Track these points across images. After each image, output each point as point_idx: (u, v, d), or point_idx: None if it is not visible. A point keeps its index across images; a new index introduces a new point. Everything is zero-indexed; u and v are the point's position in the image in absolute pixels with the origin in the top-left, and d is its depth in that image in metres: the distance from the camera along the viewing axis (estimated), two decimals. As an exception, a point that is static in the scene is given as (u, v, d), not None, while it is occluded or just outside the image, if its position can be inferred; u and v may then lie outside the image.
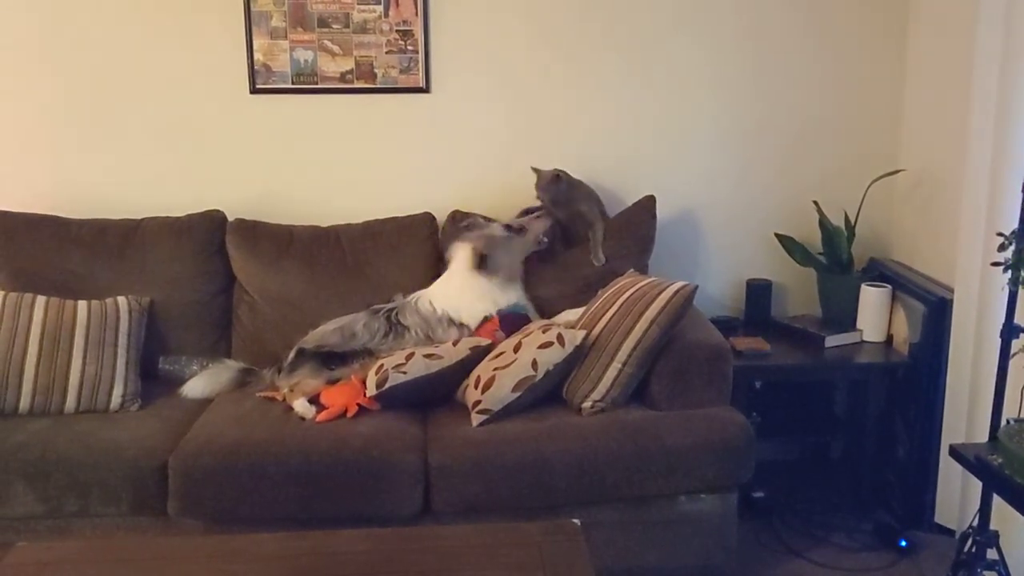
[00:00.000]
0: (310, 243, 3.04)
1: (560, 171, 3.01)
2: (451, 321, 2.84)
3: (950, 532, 2.78)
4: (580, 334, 2.55)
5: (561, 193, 3.01)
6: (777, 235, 3.25)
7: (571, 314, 2.84)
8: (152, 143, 3.18)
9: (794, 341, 3.07)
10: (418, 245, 3.06)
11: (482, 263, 2.86)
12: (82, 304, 2.77)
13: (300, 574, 1.79)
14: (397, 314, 2.83)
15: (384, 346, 2.76)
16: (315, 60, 3.15)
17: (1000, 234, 2.01)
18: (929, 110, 3.09)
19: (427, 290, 2.92)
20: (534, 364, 2.49)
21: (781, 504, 3.03)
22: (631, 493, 2.40)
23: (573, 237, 3.08)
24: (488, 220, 3.04)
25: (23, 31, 3.08)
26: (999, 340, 2.08)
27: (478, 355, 2.62)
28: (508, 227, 2.96)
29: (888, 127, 3.28)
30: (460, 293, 2.87)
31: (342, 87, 3.17)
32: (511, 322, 2.79)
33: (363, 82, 3.17)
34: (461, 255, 2.92)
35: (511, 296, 2.91)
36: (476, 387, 2.52)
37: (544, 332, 2.57)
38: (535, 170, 3.05)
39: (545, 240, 2.99)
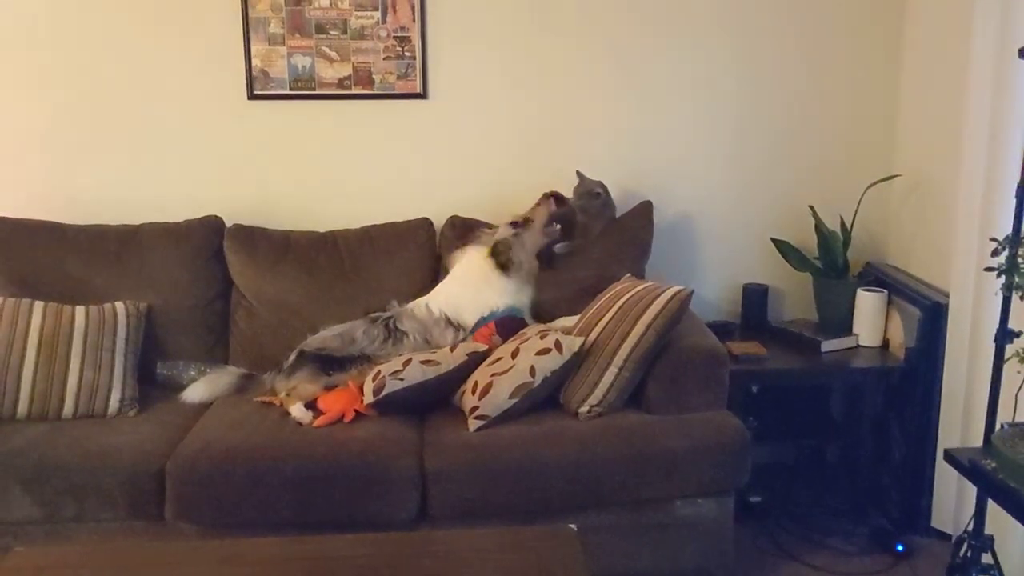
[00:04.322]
0: (308, 248, 3.05)
1: (602, 187, 3.03)
2: (448, 322, 2.84)
3: (946, 536, 2.79)
4: (578, 341, 2.55)
5: (594, 207, 3.03)
6: (773, 240, 3.25)
7: (567, 321, 2.84)
8: (150, 149, 3.19)
9: (790, 345, 3.08)
10: (416, 250, 3.07)
11: (503, 265, 2.86)
12: (80, 309, 2.78)
13: (297, 579, 1.80)
14: (395, 321, 2.84)
15: (383, 352, 2.76)
16: (313, 66, 3.16)
17: (994, 239, 2.02)
18: (924, 115, 3.10)
19: (426, 296, 2.92)
20: (532, 371, 2.49)
21: (777, 508, 3.03)
22: (627, 497, 2.41)
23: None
24: (489, 227, 3.02)
25: (21, 38, 3.09)
26: (993, 344, 2.09)
27: (475, 361, 2.62)
28: (513, 223, 2.93)
29: (884, 132, 3.29)
30: (466, 287, 2.87)
31: (340, 93, 3.18)
32: (507, 326, 2.79)
33: (361, 88, 3.18)
34: (475, 257, 2.89)
35: (518, 295, 2.90)
36: (473, 393, 2.52)
37: (542, 338, 2.57)
38: (579, 174, 3.06)
39: (557, 226, 2.96)
